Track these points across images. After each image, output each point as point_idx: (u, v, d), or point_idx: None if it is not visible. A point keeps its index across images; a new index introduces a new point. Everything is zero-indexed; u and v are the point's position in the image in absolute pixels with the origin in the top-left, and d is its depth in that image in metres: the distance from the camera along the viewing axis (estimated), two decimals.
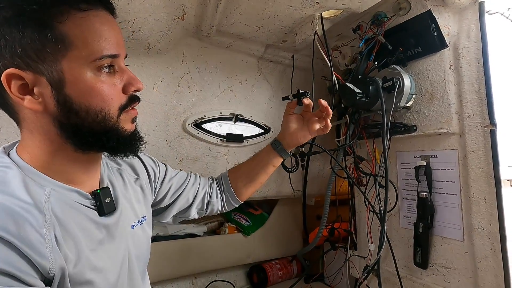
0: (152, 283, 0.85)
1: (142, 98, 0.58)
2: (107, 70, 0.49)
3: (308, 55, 1.11)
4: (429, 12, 0.86)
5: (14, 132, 0.79)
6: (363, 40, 0.98)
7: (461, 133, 0.87)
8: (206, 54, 1.09)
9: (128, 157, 0.59)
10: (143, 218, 0.67)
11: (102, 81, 0.48)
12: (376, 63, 0.97)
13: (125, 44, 0.53)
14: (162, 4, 0.80)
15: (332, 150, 1.08)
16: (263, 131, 1.24)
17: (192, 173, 0.87)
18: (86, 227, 0.51)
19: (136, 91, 0.54)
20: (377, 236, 0.99)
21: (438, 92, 0.90)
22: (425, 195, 0.93)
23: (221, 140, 1.14)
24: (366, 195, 1.05)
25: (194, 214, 0.84)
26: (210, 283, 1.29)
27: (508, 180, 0.83)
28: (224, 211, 0.91)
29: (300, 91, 0.79)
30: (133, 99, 0.53)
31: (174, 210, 0.80)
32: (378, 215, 0.99)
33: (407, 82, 0.90)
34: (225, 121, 1.16)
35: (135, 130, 0.56)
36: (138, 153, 0.64)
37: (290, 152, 0.87)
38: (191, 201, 0.82)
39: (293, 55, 1.20)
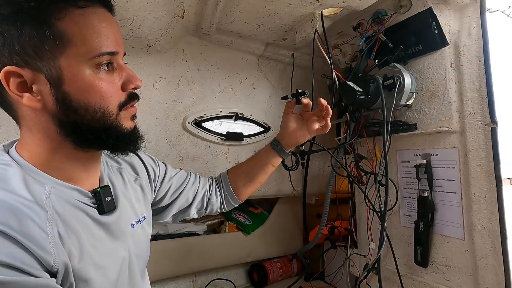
0: (153, 282, 0.85)
1: (142, 96, 0.58)
2: (105, 68, 0.49)
3: (308, 53, 1.10)
4: (429, 10, 0.86)
5: (13, 130, 0.79)
6: (364, 38, 0.97)
7: (462, 131, 0.87)
8: (206, 52, 1.08)
9: (128, 155, 0.59)
10: (142, 217, 0.67)
11: (101, 78, 0.48)
12: (376, 61, 0.97)
13: (123, 42, 0.53)
14: (161, 2, 0.80)
15: (332, 149, 1.08)
16: (263, 129, 1.24)
17: (192, 173, 0.87)
18: (87, 224, 0.51)
19: (135, 88, 0.53)
20: (377, 235, 0.99)
21: (439, 90, 0.90)
22: (426, 193, 0.93)
23: (221, 138, 1.14)
24: (366, 193, 1.05)
25: (193, 213, 0.84)
26: (210, 281, 1.29)
27: (508, 178, 0.83)
28: (224, 211, 0.91)
29: (299, 91, 0.79)
30: (132, 97, 0.53)
31: (174, 209, 0.80)
32: (379, 213, 0.99)
33: (407, 80, 0.90)
34: (225, 120, 1.15)
35: (135, 127, 0.56)
36: (138, 152, 0.64)
37: (290, 152, 0.87)
38: (190, 201, 0.82)
39: (293, 53, 1.20)
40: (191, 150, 1.09)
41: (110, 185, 0.60)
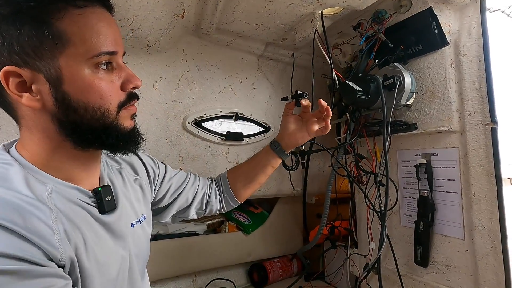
0: (153, 282, 0.85)
1: (142, 96, 0.58)
2: (105, 67, 0.49)
3: (308, 53, 1.10)
4: (430, 10, 0.86)
5: (13, 130, 0.79)
6: (364, 38, 0.97)
7: (462, 131, 0.87)
8: (206, 52, 1.08)
9: (127, 154, 0.59)
10: (142, 217, 0.67)
11: (100, 78, 0.48)
12: (376, 61, 0.97)
13: (123, 42, 0.53)
14: (161, 2, 0.80)
15: (332, 149, 1.08)
16: (263, 129, 1.24)
17: (191, 173, 0.87)
18: (89, 222, 0.52)
19: (134, 88, 0.53)
20: (377, 235, 0.99)
21: (439, 90, 0.90)
22: (426, 193, 0.93)
23: (221, 138, 1.14)
24: (366, 193, 1.05)
25: (193, 214, 0.84)
26: (210, 281, 1.29)
27: (508, 178, 0.83)
28: (223, 212, 0.91)
29: (298, 92, 0.79)
30: (132, 97, 0.53)
31: (173, 209, 0.80)
32: (379, 213, 0.99)
33: (407, 80, 0.90)
34: (225, 120, 1.15)
35: (135, 126, 0.56)
36: (138, 152, 0.64)
37: (289, 153, 0.87)
38: (190, 201, 0.82)
39: (293, 53, 1.19)
40: (191, 150, 1.09)
41: (110, 184, 0.60)
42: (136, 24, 0.84)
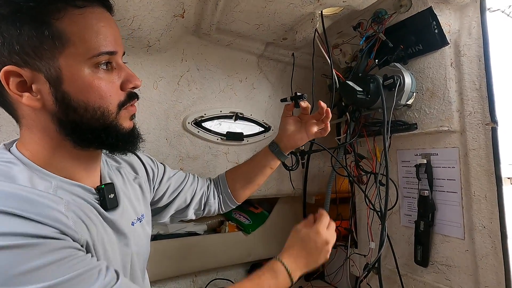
0: (153, 282, 0.85)
1: (142, 96, 0.58)
2: (104, 67, 0.49)
3: (308, 53, 1.10)
4: (430, 9, 0.86)
5: (13, 130, 0.79)
6: (364, 38, 0.97)
7: (462, 131, 0.87)
8: (206, 52, 1.08)
9: (127, 154, 0.59)
10: (142, 216, 0.67)
11: (100, 78, 0.48)
12: (376, 61, 0.97)
13: (123, 41, 0.53)
14: (161, 1, 0.80)
15: (332, 149, 1.08)
16: (263, 129, 1.24)
17: (190, 174, 0.87)
18: (96, 216, 0.53)
19: (134, 88, 0.54)
20: (377, 234, 0.99)
21: (439, 90, 0.90)
22: (426, 193, 0.93)
23: (221, 138, 1.14)
24: (366, 193, 1.05)
25: (191, 214, 0.85)
26: (210, 281, 1.29)
27: (508, 178, 0.83)
28: (221, 212, 0.91)
29: (298, 94, 0.79)
30: (132, 96, 0.54)
31: (172, 209, 0.80)
32: (379, 213, 0.99)
33: (407, 80, 0.90)
34: (225, 120, 1.15)
35: (134, 127, 0.56)
36: (137, 152, 0.64)
37: (288, 155, 0.87)
38: (188, 201, 0.83)
39: (293, 53, 1.19)
40: (191, 150, 1.09)
41: (113, 182, 0.60)
42: (136, 24, 0.84)
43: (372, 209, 1.04)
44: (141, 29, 0.86)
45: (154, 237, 1.13)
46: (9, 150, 0.50)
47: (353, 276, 1.23)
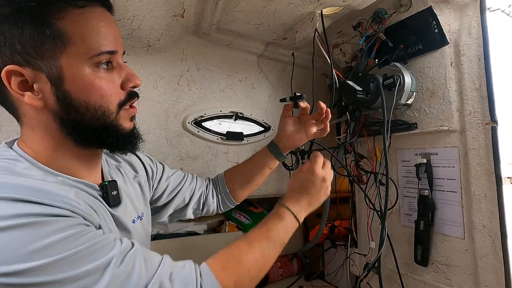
0: None
1: (142, 96, 0.59)
2: (105, 67, 0.49)
3: (308, 52, 1.10)
4: (430, 9, 0.86)
5: (14, 130, 0.79)
6: (364, 38, 0.97)
7: (462, 130, 0.87)
8: (206, 52, 1.08)
9: (126, 154, 0.60)
10: (142, 214, 0.67)
11: (101, 77, 0.48)
12: (376, 60, 0.97)
13: (122, 41, 0.53)
14: (161, 1, 0.80)
15: (332, 148, 1.08)
16: (263, 129, 1.24)
17: (189, 173, 0.87)
18: (103, 209, 0.53)
19: (134, 87, 0.54)
20: (377, 234, 0.99)
21: (439, 90, 0.90)
22: (426, 192, 0.93)
23: (221, 138, 1.14)
24: (366, 192, 1.05)
25: (190, 214, 0.85)
26: None
27: (508, 177, 0.83)
28: (220, 212, 0.91)
29: (297, 94, 0.79)
30: (132, 95, 0.54)
31: (170, 209, 0.81)
32: (379, 212, 0.99)
33: (407, 79, 0.90)
34: (225, 119, 1.15)
35: (134, 128, 0.57)
36: (137, 151, 0.65)
37: (287, 155, 0.87)
38: (187, 201, 0.83)
39: (293, 52, 1.19)
40: (191, 150, 1.09)
41: (115, 180, 0.61)
42: (136, 24, 0.84)
43: (372, 208, 1.04)
44: (141, 29, 0.86)
45: (154, 237, 1.13)
46: (11, 148, 0.50)
47: (353, 276, 1.23)
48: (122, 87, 0.52)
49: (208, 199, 0.86)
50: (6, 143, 0.52)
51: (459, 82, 0.87)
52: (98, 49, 0.47)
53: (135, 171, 0.72)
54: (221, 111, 1.14)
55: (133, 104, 0.55)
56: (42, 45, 0.44)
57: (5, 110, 0.51)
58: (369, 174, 1.07)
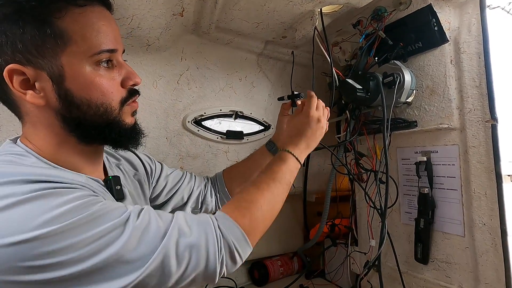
0: None
1: (141, 95, 0.59)
2: (105, 65, 0.50)
3: (308, 51, 1.10)
4: (429, 7, 0.86)
5: (14, 130, 0.79)
6: (363, 36, 0.97)
7: (462, 128, 0.87)
8: (206, 50, 1.08)
9: (128, 150, 0.61)
10: None
11: (101, 75, 0.49)
12: (376, 58, 0.97)
13: (122, 40, 0.54)
14: (160, 0, 0.79)
15: (332, 147, 1.08)
16: (263, 128, 1.24)
17: (187, 172, 0.87)
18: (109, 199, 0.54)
19: (134, 85, 0.55)
20: (377, 232, 0.99)
21: (439, 87, 0.90)
22: (426, 190, 0.93)
23: (221, 137, 1.14)
24: (366, 191, 1.05)
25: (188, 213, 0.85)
26: None
27: (509, 175, 0.83)
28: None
29: (295, 93, 0.79)
30: (133, 93, 0.55)
31: (169, 208, 0.81)
32: (379, 211, 0.99)
33: (407, 77, 0.90)
34: (225, 118, 1.15)
35: (135, 123, 0.57)
36: (137, 148, 0.65)
37: None
38: (185, 200, 0.83)
39: (293, 51, 1.19)
40: (191, 149, 1.09)
41: (118, 175, 0.61)
42: (135, 23, 0.84)
43: (372, 207, 1.04)
44: (140, 28, 0.86)
45: None
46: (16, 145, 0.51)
47: (354, 274, 1.23)
48: (122, 85, 0.53)
49: (207, 198, 0.87)
50: (10, 140, 0.52)
51: (459, 79, 0.87)
52: (98, 48, 0.47)
53: (135, 169, 0.72)
54: (221, 110, 1.13)
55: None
56: (43, 44, 0.44)
57: (5, 110, 0.51)
58: (369, 172, 1.07)
